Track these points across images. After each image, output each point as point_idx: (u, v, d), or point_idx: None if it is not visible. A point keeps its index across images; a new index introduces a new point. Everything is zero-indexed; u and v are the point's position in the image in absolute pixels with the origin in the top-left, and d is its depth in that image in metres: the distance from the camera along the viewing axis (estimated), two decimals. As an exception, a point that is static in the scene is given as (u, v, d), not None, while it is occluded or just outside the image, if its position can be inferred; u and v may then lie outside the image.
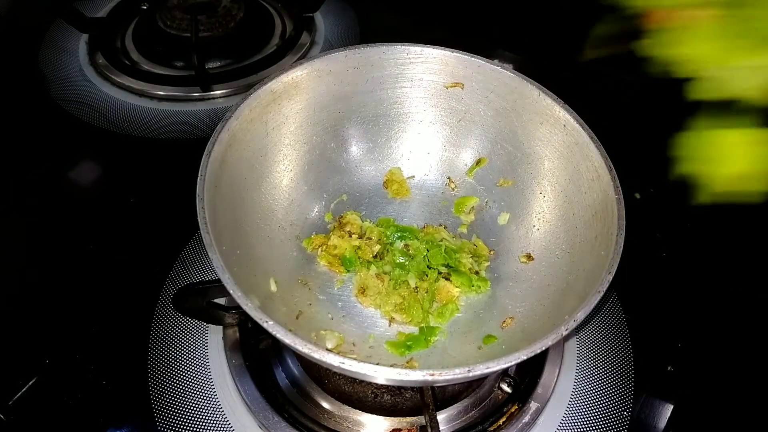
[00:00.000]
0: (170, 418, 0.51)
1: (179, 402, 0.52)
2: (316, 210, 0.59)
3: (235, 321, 0.55)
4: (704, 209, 0.72)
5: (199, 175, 0.44)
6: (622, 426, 0.53)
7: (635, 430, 0.53)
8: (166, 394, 0.52)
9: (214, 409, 0.52)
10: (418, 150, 0.62)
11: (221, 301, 0.55)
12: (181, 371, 0.54)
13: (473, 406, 0.52)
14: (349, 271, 0.55)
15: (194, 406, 0.52)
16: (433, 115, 0.60)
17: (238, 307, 0.38)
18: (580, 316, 0.38)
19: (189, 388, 0.53)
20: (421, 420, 0.50)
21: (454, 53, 0.56)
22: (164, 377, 0.54)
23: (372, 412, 0.51)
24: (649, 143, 0.80)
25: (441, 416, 0.51)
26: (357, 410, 0.51)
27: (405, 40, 0.56)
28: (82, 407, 0.52)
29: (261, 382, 0.52)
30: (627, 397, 0.55)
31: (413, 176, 0.62)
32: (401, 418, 0.51)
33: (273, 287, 0.50)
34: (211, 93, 0.82)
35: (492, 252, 0.57)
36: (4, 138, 0.76)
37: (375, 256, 0.56)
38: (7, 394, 0.51)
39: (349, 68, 0.56)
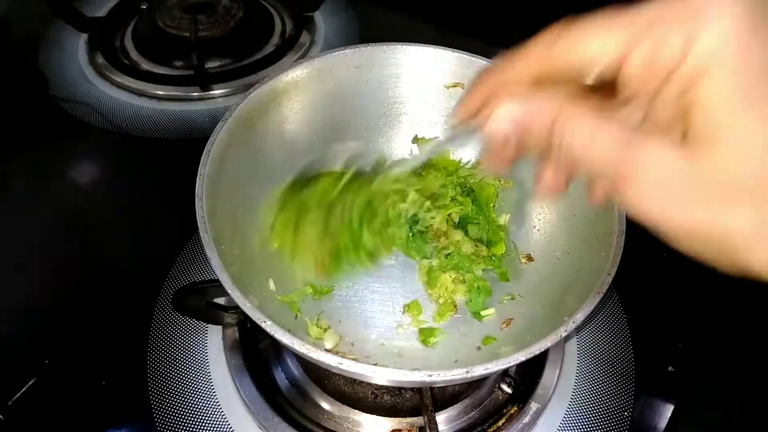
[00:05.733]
0: (170, 418, 0.51)
1: (179, 402, 0.52)
2: (316, 210, 0.59)
3: (235, 321, 0.55)
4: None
5: (199, 174, 0.44)
6: (622, 426, 0.53)
7: (636, 430, 0.53)
8: (166, 394, 0.52)
9: (214, 410, 0.52)
10: (419, 150, 0.62)
11: (221, 300, 0.55)
12: (180, 371, 0.54)
13: (473, 407, 0.52)
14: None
15: (194, 406, 0.52)
16: (434, 115, 0.60)
17: (238, 307, 0.38)
18: (580, 317, 0.38)
19: (188, 388, 0.53)
20: (421, 420, 0.50)
21: (455, 53, 0.56)
22: (164, 377, 0.53)
23: (371, 413, 0.51)
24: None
25: (441, 417, 0.51)
26: (356, 411, 0.51)
27: (405, 39, 0.56)
28: (82, 407, 0.52)
29: (260, 382, 0.52)
30: (627, 397, 0.55)
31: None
32: (401, 419, 0.51)
33: (272, 287, 0.50)
34: (211, 93, 0.82)
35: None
36: (3, 138, 0.76)
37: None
38: (7, 394, 0.51)
39: (349, 68, 0.56)
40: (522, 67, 0.27)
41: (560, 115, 0.25)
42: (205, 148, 0.46)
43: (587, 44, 0.24)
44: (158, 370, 0.54)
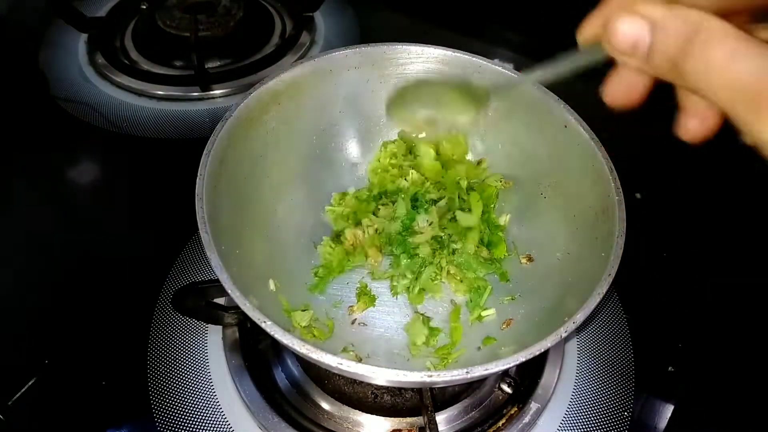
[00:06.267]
0: (170, 418, 0.51)
1: (179, 402, 0.52)
2: (317, 210, 0.59)
3: (235, 321, 0.55)
4: (704, 209, 0.72)
5: (199, 174, 0.44)
6: (622, 426, 0.53)
7: (636, 430, 0.53)
8: (166, 394, 0.52)
9: (214, 410, 0.52)
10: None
11: (221, 300, 0.55)
12: (180, 371, 0.54)
13: (473, 407, 0.52)
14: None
15: (194, 406, 0.52)
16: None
17: (238, 307, 0.38)
18: (580, 318, 0.38)
19: (188, 388, 0.53)
20: (421, 420, 0.50)
21: (455, 53, 0.56)
22: (164, 377, 0.53)
23: (371, 413, 0.51)
24: (650, 143, 0.80)
25: (441, 417, 0.51)
26: (356, 411, 0.51)
27: (405, 39, 0.56)
28: (82, 407, 0.52)
29: (260, 382, 0.52)
30: (627, 397, 0.55)
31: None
32: (401, 419, 0.51)
33: (272, 287, 0.50)
34: (211, 93, 0.82)
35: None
36: (3, 138, 0.76)
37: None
38: (7, 394, 0.51)
39: (350, 68, 0.56)
40: None
41: (699, 29, 0.21)
42: (205, 149, 0.46)
43: None
44: (158, 370, 0.54)
